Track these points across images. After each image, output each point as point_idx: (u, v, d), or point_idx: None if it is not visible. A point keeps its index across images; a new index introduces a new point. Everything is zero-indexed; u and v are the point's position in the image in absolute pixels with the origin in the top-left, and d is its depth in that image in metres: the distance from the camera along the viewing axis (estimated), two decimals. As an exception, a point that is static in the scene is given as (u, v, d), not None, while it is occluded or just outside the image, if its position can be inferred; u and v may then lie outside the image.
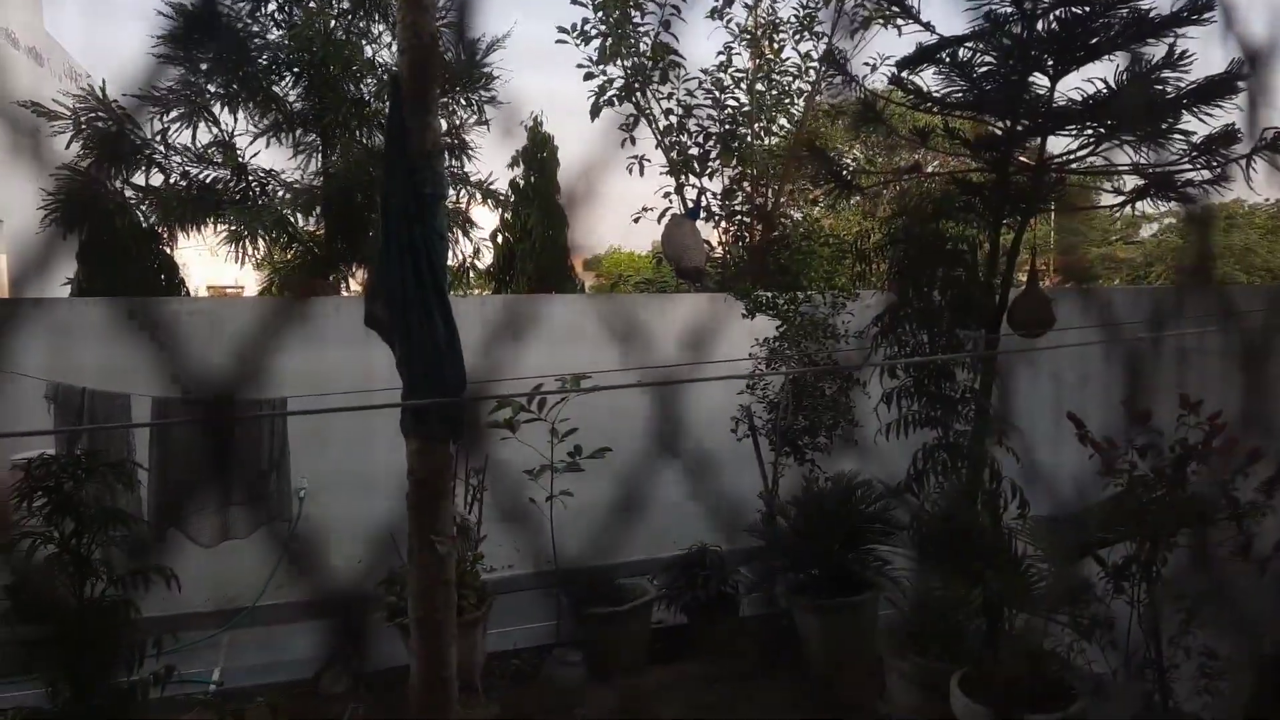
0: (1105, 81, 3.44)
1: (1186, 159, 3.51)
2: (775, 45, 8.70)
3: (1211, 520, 3.27)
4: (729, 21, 8.60)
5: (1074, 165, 3.82)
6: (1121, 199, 3.90)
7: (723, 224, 8.83)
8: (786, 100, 8.76)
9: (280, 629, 5.01)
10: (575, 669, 4.29)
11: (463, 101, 7.21)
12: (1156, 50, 3.30)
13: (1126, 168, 3.73)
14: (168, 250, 6.67)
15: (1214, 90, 3.30)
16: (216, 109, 6.55)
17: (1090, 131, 3.66)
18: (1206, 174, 3.49)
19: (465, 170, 7.44)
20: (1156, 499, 3.32)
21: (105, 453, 3.65)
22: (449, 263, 4.92)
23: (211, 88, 6.46)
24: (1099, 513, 3.55)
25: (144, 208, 6.45)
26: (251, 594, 4.89)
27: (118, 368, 4.47)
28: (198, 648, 4.49)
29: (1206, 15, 3.12)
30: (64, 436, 3.91)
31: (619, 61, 8.28)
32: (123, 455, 4.00)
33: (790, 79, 8.74)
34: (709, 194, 8.65)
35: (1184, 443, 3.26)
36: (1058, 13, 3.43)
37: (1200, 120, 3.40)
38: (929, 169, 4.40)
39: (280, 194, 6.68)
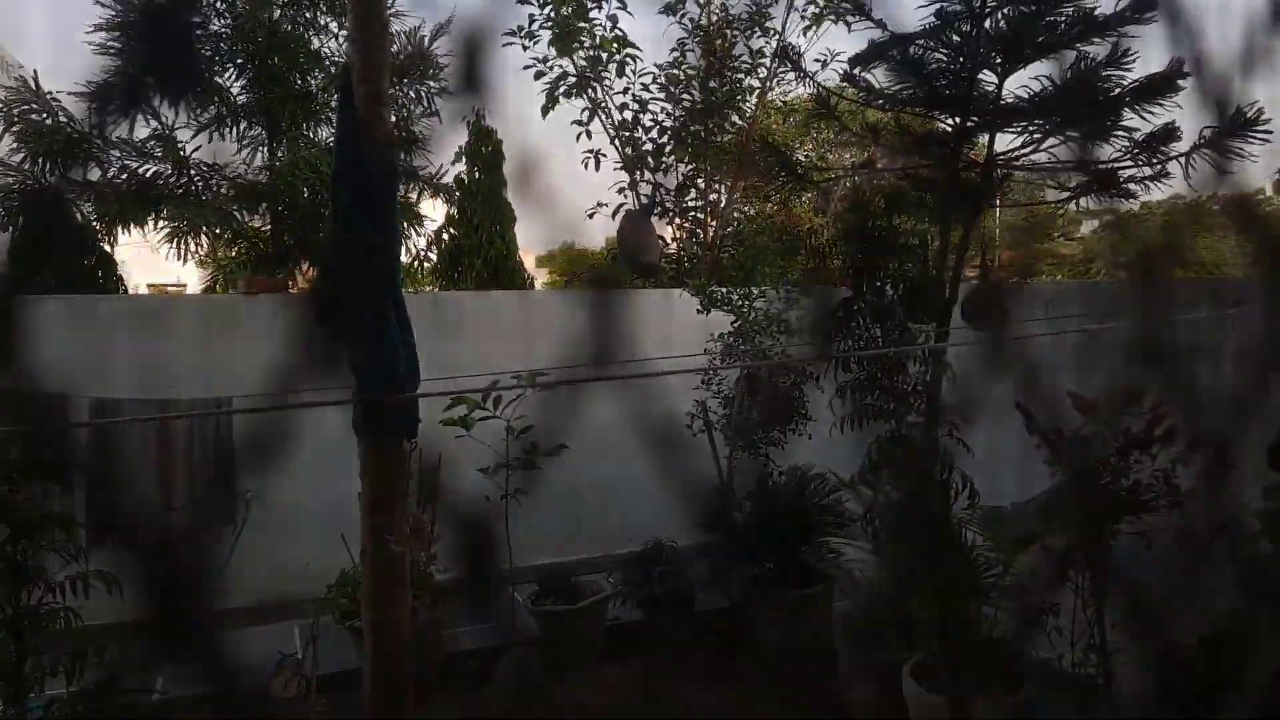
0: (1050, 79, 3.51)
1: (1128, 156, 3.60)
2: (727, 42, 8.73)
3: (1152, 507, 3.36)
4: (682, 17, 8.61)
5: (1020, 162, 3.90)
6: (1065, 195, 3.99)
7: (677, 220, 8.85)
8: (738, 97, 8.80)
9: (228, 635, 4.88)
10: (531, 668, 4.26)
11: (411, 94, 7.12)
12: (1101, 49, 3.38)
13: (1068, 164, 3.81)
14: (106, 247, 6.48)
15: (1155, 88, 3.38)
16: (156, 101, 6.36)
17: (1036, 128, 3.73)
18: (1148, 170, 3.58)
19: (414, 164, 7.34)
20: (1100, 487, 3.41)
21: (43, 456, 3.52)
22: (401, 258, 4.85)
23: (151, 79, 6.27)
24: (1046, 502, 3.63)
25: (81, 203, 6.25)
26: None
27: (55, 367, 4.31)
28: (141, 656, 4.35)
29: (1149, 15, 3.20)
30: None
31: (572, 57, 8.24)
32: (61, 458, 3.86)
33: (741, 76, 8.78)
34: (663, 190, 8.66)
35: (1127, 432, 3.34)
36: (1005, 11, 3.49)
37: (1142, 118, 3.48)
38: (880, 165, 4.44)
39: (224, 189, 6.52)
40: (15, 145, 5.95)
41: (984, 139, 3.87)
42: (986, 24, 3.53)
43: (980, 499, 4.13)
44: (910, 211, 4.19)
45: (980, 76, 3.66)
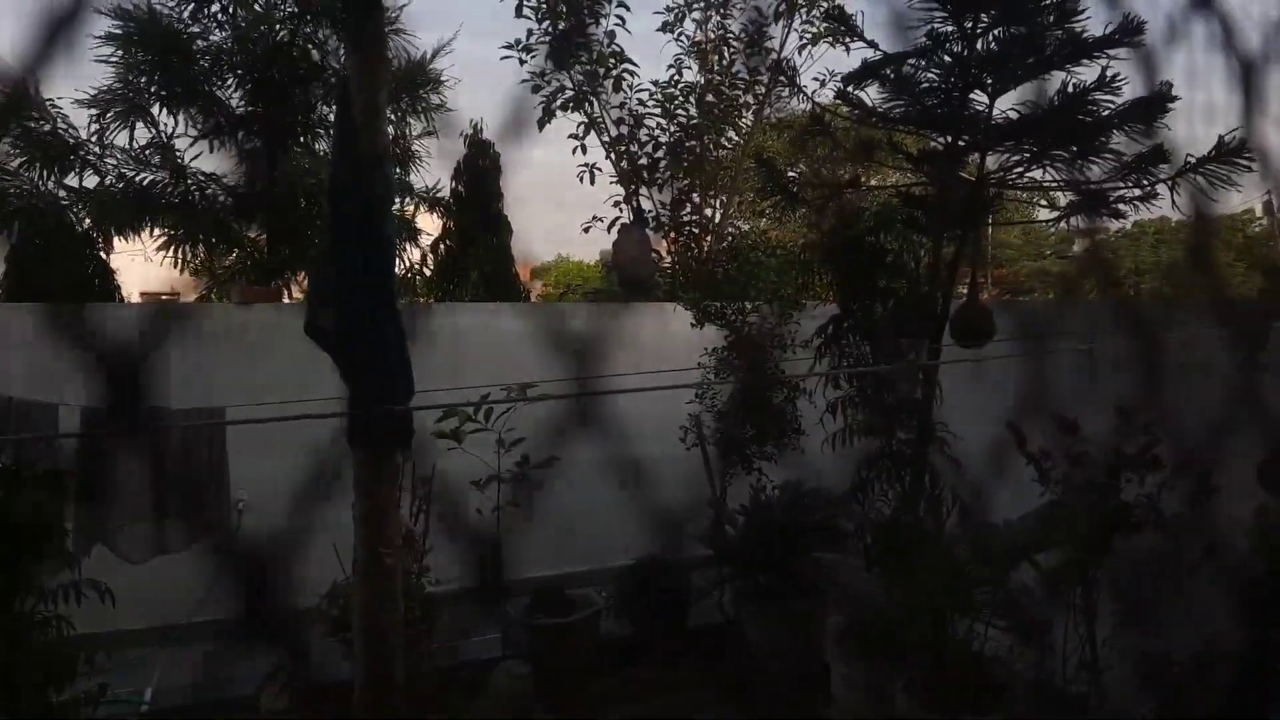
0: (1036, 102, 3.56)
1: (1117, 177, 3.64)
2: (725, 59, 8.79)
3: (1138, 528, 3.38)
4: (679, 35, 8.68)
5: (1011, 181, 3.94)
6: (1056, 214, 4.03)
7: (672, 234, 8.88)
8: (734, 114, 8.85)
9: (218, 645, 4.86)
10: (523, 682, 4.25)
11: (408, 109, 7.16)
12: (1090, 71, 3.43)
13: (1060, 184, 3.85)
14: (102, 254, 6.49)
15: (1143, 111, 3.42)
16: (155, 110, 6.40)
17: (1025, 148, 3.78)
18: (1136, 191, 3.62)
19: (409, 179, 7.38)
20: (1089, 506, 3.43)
21: (34, 464, 3.52)
22: (395, 269, 4.86)
23: (151, 88, 6.31)
24: (1035, 520, 3.65)
25: (78, 210, 6.27)
26: (187, 609, 4.74)
27: (47, 375, 4.31)
28: (130, 666, 4.33)
29: (1137, 38, 3.24)
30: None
31: (569, 71, 8.28)
32: (51, 467, 3.85)
33: (738, 93, 8.84)
34: (659, 204, 8.70)
35: (1117, 452, 3.37)
36: (996, 32, 3.53)
37: (1131, 139, 3.52)
38: (873, 182, 4.48)
39: (221, 198, 6.55)
40: (11, 151, 5.97)
41: (975, 158, 3.90)
42: (978, 45, 3.57)
43: (971, 516, 4.15)
44: (900, 229, 4.22)
45: (971, 96, 3.70)
